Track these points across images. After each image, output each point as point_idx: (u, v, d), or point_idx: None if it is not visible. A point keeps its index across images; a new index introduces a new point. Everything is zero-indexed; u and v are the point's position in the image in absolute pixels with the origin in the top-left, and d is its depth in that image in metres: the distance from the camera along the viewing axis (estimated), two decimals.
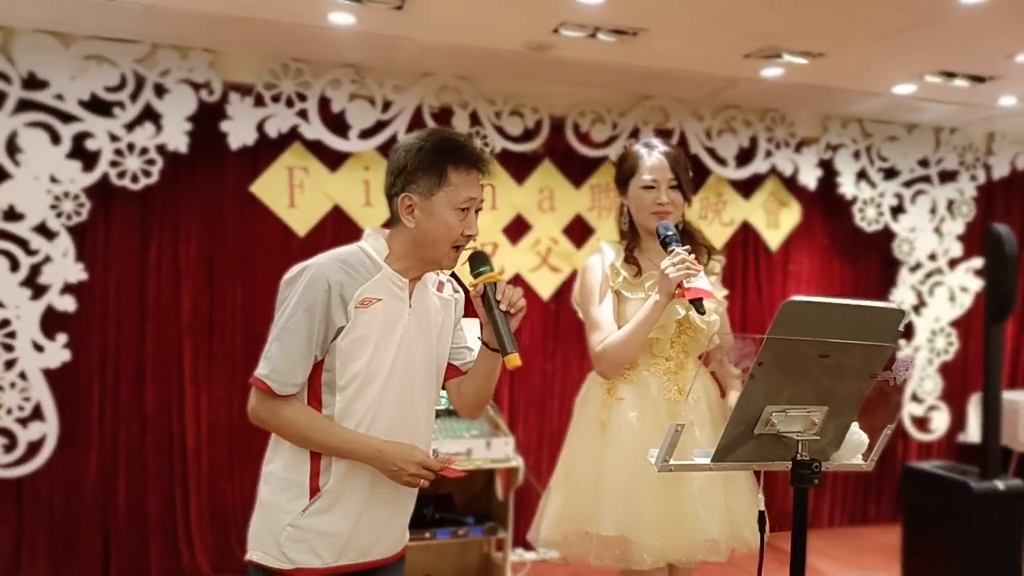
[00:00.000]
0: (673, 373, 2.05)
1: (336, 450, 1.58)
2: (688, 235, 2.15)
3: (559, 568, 3.89)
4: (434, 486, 3.50)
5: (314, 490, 1.59)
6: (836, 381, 1.30)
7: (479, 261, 1.66)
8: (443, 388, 1.80)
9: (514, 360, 1.58)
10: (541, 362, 4.35)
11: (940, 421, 5.01)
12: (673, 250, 1.94)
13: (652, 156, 2.08)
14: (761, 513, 1.35)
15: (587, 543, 2.02)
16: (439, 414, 3.52)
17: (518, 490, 3.51)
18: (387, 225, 1.70)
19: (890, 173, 4.84)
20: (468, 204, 1.60)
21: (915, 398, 4.95)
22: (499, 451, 3.41)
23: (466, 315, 1.82)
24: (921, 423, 4.99)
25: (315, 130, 3.81)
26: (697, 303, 1.88)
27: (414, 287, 1.66)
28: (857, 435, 1.38)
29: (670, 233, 1.99)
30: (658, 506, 1.95)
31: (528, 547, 4.00)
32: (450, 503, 3.59)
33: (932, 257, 4.94)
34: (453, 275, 1.82)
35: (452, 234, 1.60)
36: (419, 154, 1.59)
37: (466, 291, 1.83)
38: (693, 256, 1.94)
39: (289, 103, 3.77)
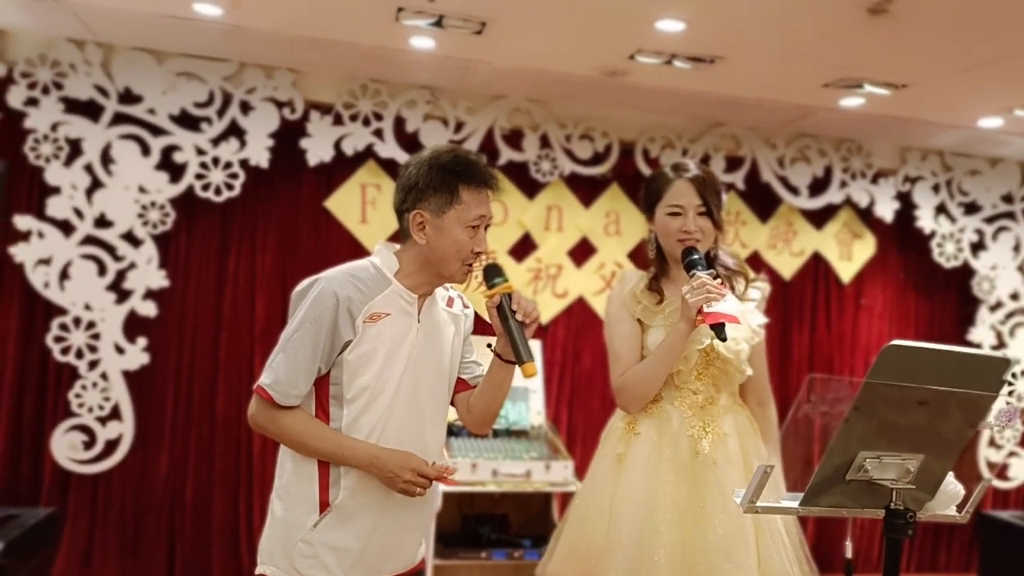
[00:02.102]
0: (700, 408, 1.89)
1: (333, 456, 1.58)
2: (720, 261, 2.00)
3: None
4: (490, 507, 3.56)
5: (324, 504, 1.59)
6: (934, 429, 1.25)
7: (493, 272, 1.65)
8: (451, 403, 1.78)
9: (530, 369, 1.57)
10: (602, 387, 4.32)
11: (1020, 468, 4.77)
12: (694, 274, 1.82)
13: (679, 180, 1.93)
14: (848, 561, 1.31)
15: None
16: (498, 434, 3.59)
17: None
18: (395, 239, 1.71)
19: (971, 208, 4.68)
20: (478, 222, 1.61)
21: (993, 444, 4.73)
22: (558, 474, 3.39)
23: (474, 333, 1.82)
24: (999, 470, 4.76)
25: (389, 149, 3.90)
26: (718, 328, 1.74)
27: (423, 303, 1.66)
28: (953, 486, 1.33)
29: (694, 257, 1.87)
30: (673, 554, 1.78)
31: None
32: (506, 524, 3.59)
33: (1014, 296, 4.74)
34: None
35: (462, 251, 1.60)
36: (430, 172, 1.60)
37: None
38: (719, 281, 1.81)
39: (366, 122, 3.87)
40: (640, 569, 1.79)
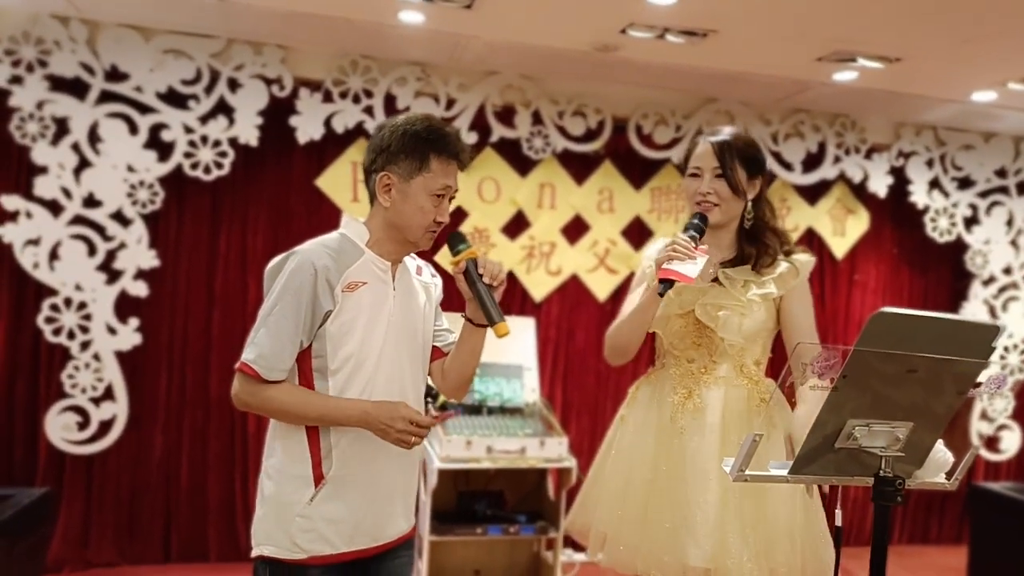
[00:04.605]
0: (693, 376, 1.92)
1: (323, 419, 1.58)
2: (755, 233, 1.94)
3: (609, 570, 3.86)
4: (486, 483, 3.57)
5: (318, 478, 1.60)
6: (923, 397, 1.25)
7: (457, 240, 1.69)
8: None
9: (503, 328, 1.60)
10: (595, 364, 4.33)
11: (1011, 441, 4.81)
12: (676, 235, 1.82)
13: (702, 143, 1.91)
14: (837, 528, 1.31)
15: (594, 537, 2.00)
16: (492, 411, 3.60)
17: (570, 491, 3.50)
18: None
19: (965, 183, 4.67)
20: (444, 192, 1.64)
21: (984, 416, 4.76)
22: (552, 451, 3.41)
23: (443, 308, 1.86)
24: (990, 442, 4.80)
25: None
26: (663, 284, 1.75)
27: (396, 270, 1.69)
28: (942, 453, 1.33)
29: (691, 222, 1.85)
30: (635, 515, 1.88)
31: (578, 547, 3.98)
32: (501, 500, 3.61)
33: (1007, 271, 4.75)
34: (433, 262, 1.84)
35: (425, 219, 1.63)
36: (403, 137, 1.62)
37: (445, 275, 1.83)
38: (704, 245, 1.80)
39: (356, 99, 3.83)
40: (615, 516, 1.92)
